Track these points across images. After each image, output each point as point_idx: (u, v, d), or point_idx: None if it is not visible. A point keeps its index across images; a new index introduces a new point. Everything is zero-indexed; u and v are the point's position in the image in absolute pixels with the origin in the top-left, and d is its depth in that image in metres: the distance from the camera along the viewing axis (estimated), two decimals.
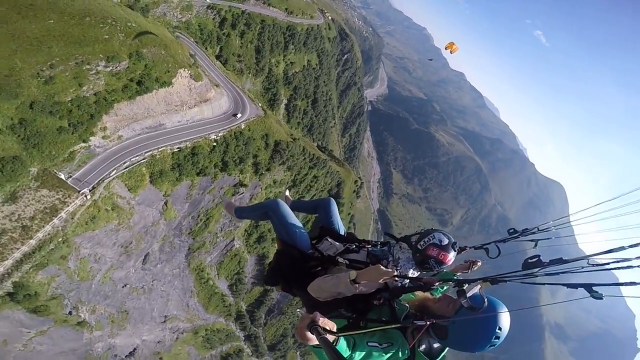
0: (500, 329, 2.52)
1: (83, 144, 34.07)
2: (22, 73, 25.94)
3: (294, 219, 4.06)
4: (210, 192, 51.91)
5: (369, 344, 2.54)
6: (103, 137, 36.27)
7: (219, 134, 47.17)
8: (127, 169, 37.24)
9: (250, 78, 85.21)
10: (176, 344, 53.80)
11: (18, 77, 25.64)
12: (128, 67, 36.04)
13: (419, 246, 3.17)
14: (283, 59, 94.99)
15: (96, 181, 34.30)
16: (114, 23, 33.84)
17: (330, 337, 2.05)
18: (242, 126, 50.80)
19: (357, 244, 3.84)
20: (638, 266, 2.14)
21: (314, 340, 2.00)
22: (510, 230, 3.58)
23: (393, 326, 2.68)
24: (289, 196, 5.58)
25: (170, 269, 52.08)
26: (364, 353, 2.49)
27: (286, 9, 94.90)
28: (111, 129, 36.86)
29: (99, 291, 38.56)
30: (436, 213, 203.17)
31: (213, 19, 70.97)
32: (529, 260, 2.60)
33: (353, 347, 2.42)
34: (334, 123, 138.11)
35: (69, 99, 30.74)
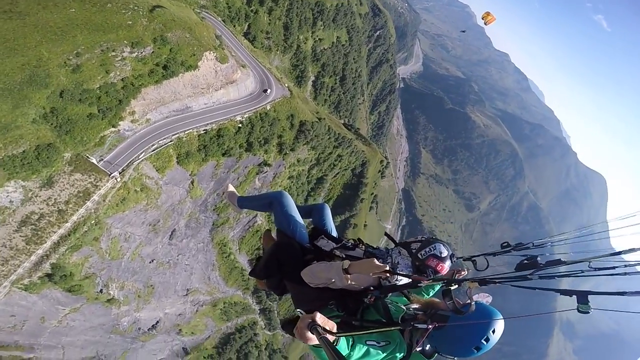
0: (487, 339, 2.45)
1: (112, 129, 34.93)
2: (49, 63, 26.34)
3: (297, 213, 4.04)
4: (235, 170, 52.53)
5: (367, 342, 2.52)
6: (132, 121, 36.90)
7: (245, 116, 46.86)
8: (155, 151, 38.00)
9: (279, 55, 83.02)
10: (195, 316, 55.86)
11: (46, 67, 26.09)
12: (153, 52, 35.69)
13: (419, 255, 3.17)
14: (311, 36, 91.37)
15: (125, 164, 35.34)
16: (136, 8, 33.22)
17: (330, 337, 2.03)
18: (268, 107, 50.04)
19: (352, 242, 3.81)
20: None
21: (314, 340, 1.99)
22: (504, 244, 3.35)
23: (393, 328, 2.69)
24: None
25: (195, 243, 52.87)
26: (362, 351, 2.49)
27: None
28: (139, 113, 37.34)
29: (128, 268, 40.44)
30: (464, 197, 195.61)
31: None
32: (524, 262, 2.48)
33: (352, 345, 2.41)
34: (363, 100, 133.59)
35: (97, 86, 31.16)
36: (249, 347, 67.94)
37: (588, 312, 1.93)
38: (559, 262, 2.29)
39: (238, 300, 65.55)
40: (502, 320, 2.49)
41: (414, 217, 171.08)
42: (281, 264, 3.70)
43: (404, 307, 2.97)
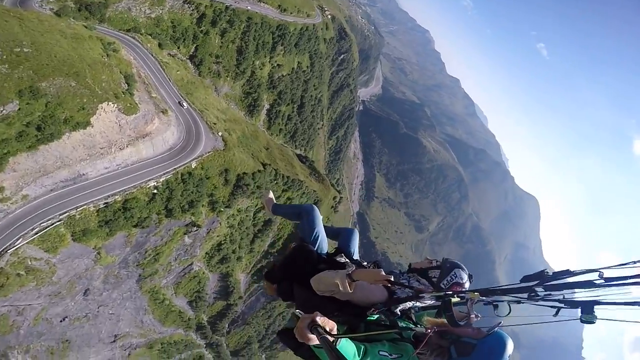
0: (509, 356, 2.43)
1: None
2: None
3: (322, 226, 4.07)
4: (157, 234, 43.18)
5: (380, 352, 2.41)
6: (0, 200, 26.85)
7: (160, 179, 36.39)
8: (36, 236, 29.22)
9: (229, 81, 72.95)
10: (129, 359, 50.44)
11: None
12: (19, 108, 25.31)
13: (442, 285, 3.07)
14: (269, 61, 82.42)
15: None
16: None
17: (331, 337, 1.96)
18: (193, 165, 39.77)
19: (369, 263, 3.78)
20: None
21: (314, 340, 1.94)
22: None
23: (391, 331, 2.65)
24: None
25: (120, 293, 46.33)
26: None
27: (279, 5, 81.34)
28: (11, 188, 27.34)
29: (31, 333, 35.14)
30: (414, 219, 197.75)
31: (190, 14, 58.22)
32: (533, 274, 2.36)
33: (364, 354, 2.31)
34: (322, 125, 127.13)
35: None
36: None
37: (593, 322, 1.82)
38: (567, 273, 2.10)
39: (179, 338, 60.03)
40: (512, 345, 2.42)
41: (367, 239, 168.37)
42: (296, 265, 3.67)
43: (415, 328, 2.74)
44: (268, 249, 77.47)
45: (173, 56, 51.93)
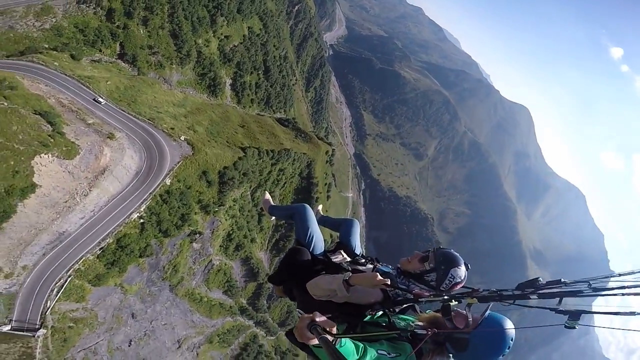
0: (512, 339, 2.38)
1: None
2: None
3: (315, 225, 3.94)
4: (164, 253, 43.43)
5: (379, 352, 2.36)
6: (5, 277, 27.17)
7: (141, 208, 33.54)
8: (58, 296, 30.83)
9: (176, 68, 64.85)
10: (199, 357, 54.93)
11: None
12: None
13: (442, 288, 3.03)
14: (214, 36, 72.90)
15: (39, 316, 29.22)
16: None
17: (330, 337, 1.95)
18: (168, 182, 36.03)
19: (366, 259, 3.68)
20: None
21: (314, 340, 1.94)
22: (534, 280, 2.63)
23: (392, 332, 2.61)
24: (320, 210, 5.29)
25: (161, 304, 49.18)
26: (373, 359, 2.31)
27: None
28: (6, 265, 27.22)
29: None
30: (411, 147, 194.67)
31: (94, 13, 48.84)
32: (527, 281, 2.35)
33: (363, 353, 2.24)
34: (296, 80, 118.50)
35: None
36: (260, 359, 68.04)
37: (574, 328, 1.93)
38: (558, 282, 2.17)
39: (230, 326, 63.68)
40: (512, 326, 2.39)
41: (371, 178, 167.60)
42: (292, 269, 3.59)
43: (412, 325, 2.69)
44: (276, 222, 76.86)
45: (98, 61, 44.63)
